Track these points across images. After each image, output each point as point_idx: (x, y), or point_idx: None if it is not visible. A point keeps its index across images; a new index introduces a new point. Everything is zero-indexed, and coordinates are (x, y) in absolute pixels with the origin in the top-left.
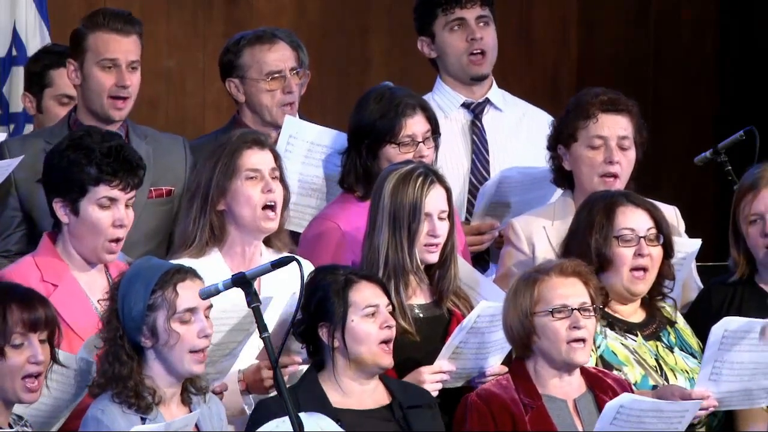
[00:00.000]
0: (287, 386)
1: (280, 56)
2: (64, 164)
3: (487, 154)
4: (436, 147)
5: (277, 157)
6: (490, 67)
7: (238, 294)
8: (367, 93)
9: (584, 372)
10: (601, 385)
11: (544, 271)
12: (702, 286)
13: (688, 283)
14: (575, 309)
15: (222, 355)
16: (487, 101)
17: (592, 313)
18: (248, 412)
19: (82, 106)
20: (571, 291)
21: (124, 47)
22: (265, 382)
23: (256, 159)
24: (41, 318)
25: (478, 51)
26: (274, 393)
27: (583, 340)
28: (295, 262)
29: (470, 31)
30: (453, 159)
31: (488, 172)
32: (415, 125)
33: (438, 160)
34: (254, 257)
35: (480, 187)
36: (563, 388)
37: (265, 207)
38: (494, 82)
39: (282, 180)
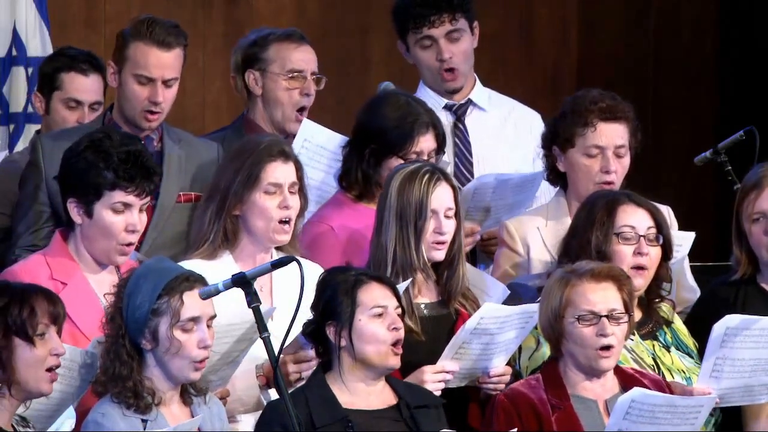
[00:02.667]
0: (296, 387)
1: (304, 57)
2: (82, 165)
3: (470, 155)
4: (436, 163)
5: (299, 169)
6: (464, 79)
7: (244, 305)
8: (382, 96)
9: (619, 372)
10: (636, 385)
11: (578, 274)
12: (695, 286)
13: (681, 281)
14: (603, 316)
15: (224, 363)
16: (470, 102)
17: (624, 320)
18: None
19: (117, 108)
20: (600, 297)
21: (163, 63)
22: (290, 377)
23: (279, 173)
24: (60, 312)
25: (448, 68)
26: (293, 388)
27: (611, 347)
28: (295, 262)
29: (439, 50)
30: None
31: (472, 174)
32: (425, 143)
33: None
34: (265, 262)
35: (461, 189)
36: (594, 389)
37: (280, 221)
38: (477, 81)
39: (301, 191)
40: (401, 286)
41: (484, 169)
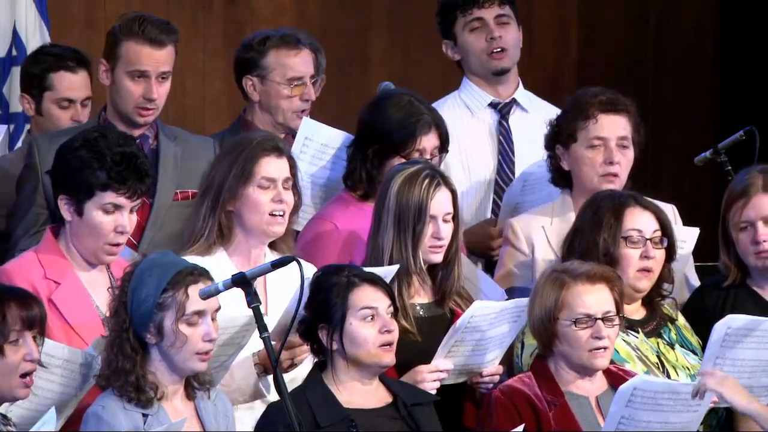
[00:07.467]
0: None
1: (303, 62)
2: (75, 164)
3: (513, 154)
4: (440, 162)
5: (293, 165)
6: (511, 62)
7: (234, 308)
8: (384, 96)
9: (606, 371)
10: (624, 383)
11: (572, 275)
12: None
13: (685, 280)
14: (599, 318)
15: (213, 367)
16: (514, 101)
17: (616, 322)
18: (267, 394)
19: (111, 107)
20: (595, 300)
21: (156, 59)
22: (284, 363)
23: (272, 168)
24: (36, 316)
25: (498, 49)
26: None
27: (605, 348)
28: (295, 262)
29: (489, 30)
30: (480, 158)
31: (513, 173)
32: (428, 142)
33: (465, 159)
34: (259, 259)
35: (505, 188)
36: (585, 387)
37: (273, 214)
38: (521, 83)
39: (295, 187)
40: (388, 271)
41: (524, 168)
